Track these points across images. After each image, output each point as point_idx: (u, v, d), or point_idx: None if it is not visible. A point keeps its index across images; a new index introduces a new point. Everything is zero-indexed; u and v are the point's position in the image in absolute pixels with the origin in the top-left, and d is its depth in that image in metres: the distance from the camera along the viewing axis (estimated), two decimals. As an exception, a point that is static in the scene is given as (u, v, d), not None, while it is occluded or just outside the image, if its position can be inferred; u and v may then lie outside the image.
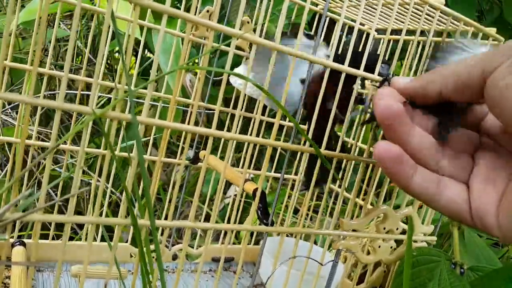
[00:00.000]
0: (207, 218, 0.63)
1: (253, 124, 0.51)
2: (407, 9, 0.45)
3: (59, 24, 0.71)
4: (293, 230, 0.40)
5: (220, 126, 0.62)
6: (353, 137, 0.64)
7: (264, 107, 0.58)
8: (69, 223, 0.30)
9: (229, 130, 0.49)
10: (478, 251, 0.57)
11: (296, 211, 0.92)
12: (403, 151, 0.29)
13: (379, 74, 0.38)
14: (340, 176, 0.43)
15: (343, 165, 0.55)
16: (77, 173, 0.29)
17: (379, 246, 0.45)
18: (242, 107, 0.56)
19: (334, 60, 0.37)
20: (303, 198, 0.82)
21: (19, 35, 0.86)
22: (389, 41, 0.57)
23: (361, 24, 0.60)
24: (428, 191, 0.30)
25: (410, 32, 0.52)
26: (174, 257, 0.58)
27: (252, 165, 0.65)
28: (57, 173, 0.75)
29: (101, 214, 0.52)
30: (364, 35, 0.60)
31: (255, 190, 0.39)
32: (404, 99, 0.31)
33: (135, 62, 1.05)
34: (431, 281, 0.50)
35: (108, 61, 1.00)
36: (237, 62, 0.56)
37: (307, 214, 0.72)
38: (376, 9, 0.51)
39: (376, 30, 0.62)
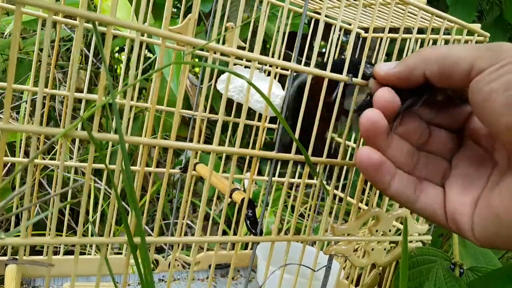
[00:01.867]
0: (207, 218, 0.63)
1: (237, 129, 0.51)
2: (396, 9, 0.45)
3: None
4: (283, 239, 0.40)
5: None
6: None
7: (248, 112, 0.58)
8: (51, 245, 0.30)
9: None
10: (477, 252, 0.57)
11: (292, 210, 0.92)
12: (383, 158, 0.30)
13: (363, 75, 0.38)
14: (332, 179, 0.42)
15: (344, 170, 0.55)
16: (59, 188, 0.29)
17: (372, 249, 0.44)
18: (240, 114, 0.55)
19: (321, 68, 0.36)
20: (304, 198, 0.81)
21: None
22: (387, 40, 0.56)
23: (348, 23, 0.60)
24: (405, 195, 0.31)
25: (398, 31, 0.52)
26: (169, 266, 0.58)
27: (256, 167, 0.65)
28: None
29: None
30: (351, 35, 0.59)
31: (243, 199, 0.38)
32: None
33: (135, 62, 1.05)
34: (426, 282, 0.50)
35: (110, 60, 1.00)
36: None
37: (304, 214, 0.72)
38: (367, 9, 0.50)
39: (363, 29, 0.62)
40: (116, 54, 1.10)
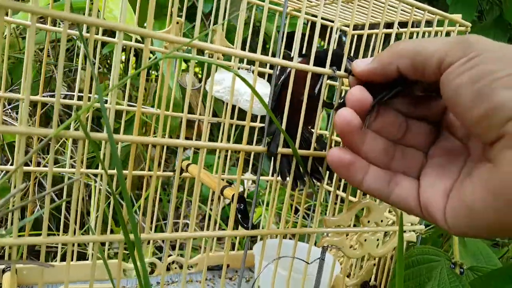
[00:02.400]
0: (208, 218, 0.63)
1: (223, 127, 0.52)
2: (378, 5, 0.46)
3: (59, 24, 0.71)
4: (275, 232, 0.40)
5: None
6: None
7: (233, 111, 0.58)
8: (44, 244, 0.30)
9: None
10: (477, 251, 0.58)
11: (296, 211, 0.92)
12: (354, 157, 0.32)
13: (346, 70, 0.39)
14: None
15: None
16: (49, 186, 0.29)
17: (365, 240, 0.45)
18: (227, 114, 0.56)
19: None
20: (301, 197, 0.82)
21: (19, 35, 0.86)
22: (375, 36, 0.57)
23: (331, 21, 0.61)
24: (378, 189, 0.32)
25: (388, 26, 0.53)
26: (168, 269, 0.58)
27: (250, 166, 0.65)
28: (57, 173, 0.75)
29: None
30: (335, 31, 0.60)
31: (234, 194, 0.39)
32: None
33: (135, 62, 1.06)
34: (430, 281, 0.50)
35: (108, 61, 1.01)
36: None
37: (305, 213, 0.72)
38: (350, 7, 0.51)
39: (346, 26, 0.63)
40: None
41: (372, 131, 0.33)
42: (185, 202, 0.74)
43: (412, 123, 0.34)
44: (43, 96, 0.49)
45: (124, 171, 0.52)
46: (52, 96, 0.78)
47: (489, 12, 1.05)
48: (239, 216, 0.38)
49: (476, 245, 0.59)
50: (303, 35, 0.56)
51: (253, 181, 0.73)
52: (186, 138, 0.87)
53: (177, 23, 0.51)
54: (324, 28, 0.62)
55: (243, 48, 0.70)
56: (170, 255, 0.60)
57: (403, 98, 0.33)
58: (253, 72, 0.57)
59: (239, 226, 0.39)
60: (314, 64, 0.37)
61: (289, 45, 0.62)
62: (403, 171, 0.32)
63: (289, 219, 0.81)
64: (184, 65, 1.03)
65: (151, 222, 0.59)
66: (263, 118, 0.60)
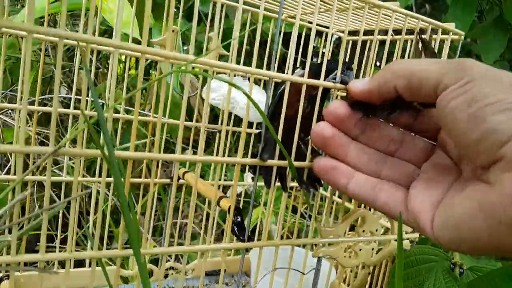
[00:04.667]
0: (208, 218, 0.64)
1: (219, 137, 0.52)
2: (371, 13, 0.46)
3: (59, 24, 0.71)
4: (271, 243, 0.40)
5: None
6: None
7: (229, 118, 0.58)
8: (42, 261, 0.30)
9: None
10: None
11: (295, 211, 0.92)
12: (338, 164, 0.33)
13: (342, 82, 0.39)
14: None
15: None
16: (45, 219, 0.29)
17: (360, 249, 0.45)
18: (225, 122, 0.56)
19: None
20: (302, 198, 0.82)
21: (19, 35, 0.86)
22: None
23: (326, 27, 0.61)
24: (363, 195, 0.33)
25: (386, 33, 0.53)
26: (166, 276, 0.58)
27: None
28: (56, 174, 0.75)
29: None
30: (328, 37, 0.60)
31: (230, 206, 0.39)
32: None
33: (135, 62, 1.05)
34: (427, 281, 0.51)
35: (108, 61, 1.01)
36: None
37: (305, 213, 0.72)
38: (346, 14, 0.51)
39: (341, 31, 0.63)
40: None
41: (359, 143, 0.34)
42: (184, 203, 0.74)
43: (407, 138, 0.34)
44: (43, 96, 0.49)
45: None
46: (51, 97, 0.78)
47: (489, 12, 1.05)
48: (235, 228, 0.38)
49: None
50: (300, 35, 0.56)
51: (252, 178, 0.74)
52: (184, 138, 0.87)
53: (173, 31, 0.51)
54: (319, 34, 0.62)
55: (239, 51, 0.70)
56: (167, 261, 0.60)
57: (399, 114, 0.33)
58: (249, 79, 0.57)
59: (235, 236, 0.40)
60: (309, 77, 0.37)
61: (287, 46, 0.62)
62: (392, 180, 0.33)
63: (286, 217, 0.81)
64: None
65: (154, 234, 0.60)
66: (259, 125, 0.60)
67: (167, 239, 0.35)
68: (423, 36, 0.42)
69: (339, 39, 0.79)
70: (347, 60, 0.40)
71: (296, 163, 0.38)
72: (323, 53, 0.65)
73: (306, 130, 0.38)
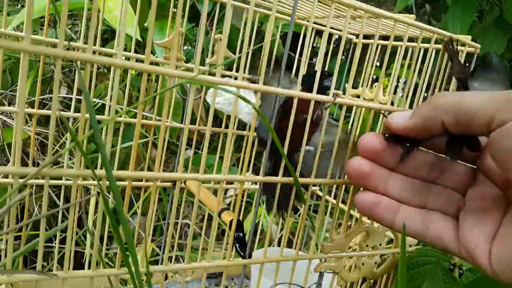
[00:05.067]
0: (208, 219, 0.63)
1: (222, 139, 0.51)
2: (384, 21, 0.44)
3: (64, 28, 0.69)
4: (273, 260, 0.40)
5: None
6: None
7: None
8: (39, 280, 0.30)
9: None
10: None
11: (296, 210, 0.92)
12: (380, 199, 0.31)
13: (325, 88, 0.38)
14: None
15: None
16: (41, 238, 0.29)
17: (363, 264, 0.45)
18: (232, 125, 0.55)
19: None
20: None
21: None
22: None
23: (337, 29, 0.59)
24: (412, 228, 0.31)
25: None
26: (166, 277, 0.58)
27: (251, 165, 0.64)
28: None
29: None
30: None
31: (232, 221, 0.38)
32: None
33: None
34: (425, 282, 0.50)
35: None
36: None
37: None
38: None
39: (355, 35, 0.61)
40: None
41: (398, 173, 0.32)
42: (184, 202, 0.74)
43: (446, 163, 0.33)
44: (43, 96, 0.48)
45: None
46: (51, 97, 0.77)
47: (489, 12, 1.03)
48: (237, 245, 0.38)
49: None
50: (297, 34, 0.54)
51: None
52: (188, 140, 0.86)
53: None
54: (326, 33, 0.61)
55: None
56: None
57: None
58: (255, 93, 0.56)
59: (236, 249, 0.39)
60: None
61: (292, 47, 0.60)
62: (439, 209, 0.32)
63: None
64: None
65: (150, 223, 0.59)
66: (256, 130, 0.59)
67: (166, 256, 0.34)
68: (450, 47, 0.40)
69: (339, 39, 0.77)
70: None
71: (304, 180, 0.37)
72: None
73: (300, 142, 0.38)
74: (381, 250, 0.45)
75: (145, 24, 0.73)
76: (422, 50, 0.51)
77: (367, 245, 0.44)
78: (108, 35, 0.89)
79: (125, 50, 0.89)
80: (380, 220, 0.32)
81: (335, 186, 0.61)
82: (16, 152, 0.27)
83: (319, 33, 0.62)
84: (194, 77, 0.31)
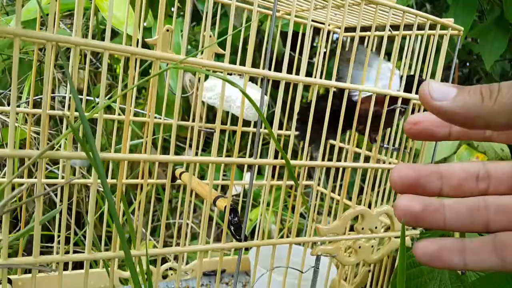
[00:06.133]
0: (211, 218, 0.63)
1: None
2: (368, 9, 0.45)
3: (59, 23, 0.70)
4: (268, 243, 0.40)
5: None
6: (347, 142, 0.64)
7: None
8: (36, 265, 0.30)
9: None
10: None
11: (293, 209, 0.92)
12: (442, 243, 0.26)
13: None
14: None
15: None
16: (37, 227, 0.29)
17: (360, 247, 0.45)
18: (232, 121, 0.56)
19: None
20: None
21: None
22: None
23: (322, 23, 0.60)
24: (487, 264, 0.26)
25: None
26: (164, 277, 0.58)
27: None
28: (55, 174, 0.74)
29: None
30: (329, 35, 0.60)
31: (226, 206, 0.39)
32: None
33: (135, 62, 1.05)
34: (431, 281, 0.50)
35: (109, 61, 1.01)
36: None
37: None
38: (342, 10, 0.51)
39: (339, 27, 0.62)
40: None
41: (447, 197, 0.26)
42: (181, 201, 0.74)
43: (488, 166, 0.27)
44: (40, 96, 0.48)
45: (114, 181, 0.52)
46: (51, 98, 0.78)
47: (489, 12, 1.04)
48: (232, 228, 0.38)
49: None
50: (296, 33, 0.56)
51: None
52: (183, 138, 0.86)
53: (167, 30, 0.51)
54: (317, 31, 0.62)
55: (236, 50, 0.69)
56: (168, 261, 0.60)
57: None
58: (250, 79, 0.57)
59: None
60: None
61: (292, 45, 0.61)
62: (505, 228, 0.26)
63: (285, 217, 0.81)
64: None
65: (153, 234, 0.59)
66: (256, 124, 0.60)
67: (161, 242, 0.34)
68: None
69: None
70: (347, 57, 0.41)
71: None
72: (324, 53, 0.65)
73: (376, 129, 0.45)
74: (377, 233, 0.45)
75: (145, 24, 0.75)
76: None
77: (362, 228, 0.45)
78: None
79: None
80: (450, 268, 0.26)
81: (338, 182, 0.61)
82: (10, 132, 0.27)
83: (318, 32, 0.63)
84: (183, 60, 0.32)
